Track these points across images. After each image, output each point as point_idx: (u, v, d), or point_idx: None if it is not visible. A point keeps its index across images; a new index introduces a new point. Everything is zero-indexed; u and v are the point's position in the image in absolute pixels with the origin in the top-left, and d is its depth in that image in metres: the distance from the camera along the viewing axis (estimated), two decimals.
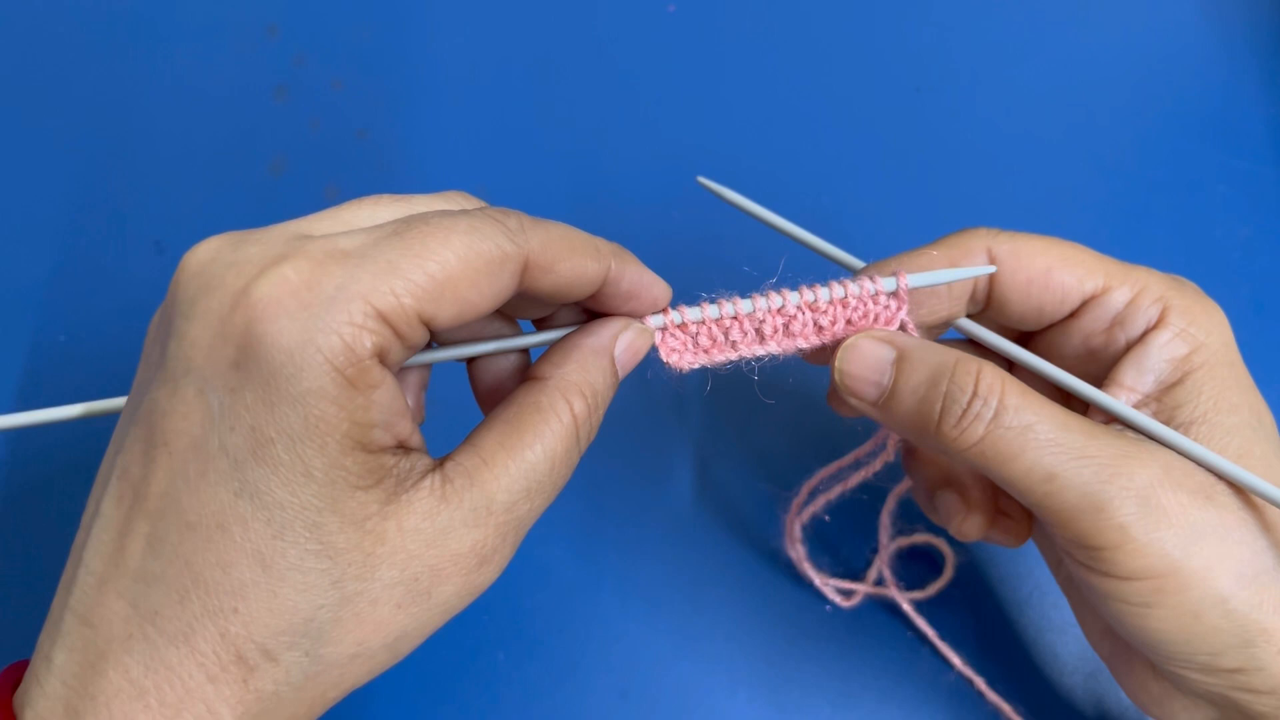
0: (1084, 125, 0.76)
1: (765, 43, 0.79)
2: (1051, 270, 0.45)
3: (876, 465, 0.53)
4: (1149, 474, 0.40)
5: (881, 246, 0.70)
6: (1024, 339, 0.49)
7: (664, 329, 0.45)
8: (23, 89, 0.78)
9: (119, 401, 0.41)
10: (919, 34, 0.79)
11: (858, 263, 0.48)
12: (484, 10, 0.80)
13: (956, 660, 0.59)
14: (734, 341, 0.45)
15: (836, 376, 0.45)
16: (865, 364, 0.44)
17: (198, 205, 0.74)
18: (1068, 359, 0.47)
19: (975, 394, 0.41)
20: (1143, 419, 0.43)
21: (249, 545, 0.33)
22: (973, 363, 0.42)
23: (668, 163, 0.75)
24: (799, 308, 0.45)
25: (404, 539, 0.35)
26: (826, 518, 0.60)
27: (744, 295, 0.45)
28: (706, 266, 0.70)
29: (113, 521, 0.35)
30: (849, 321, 0.46)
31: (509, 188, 0.74)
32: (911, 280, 0.45)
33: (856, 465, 0.55)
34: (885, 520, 0.58)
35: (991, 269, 0.46)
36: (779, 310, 0.45)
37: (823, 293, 0.45)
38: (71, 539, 0.37)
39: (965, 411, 0.41)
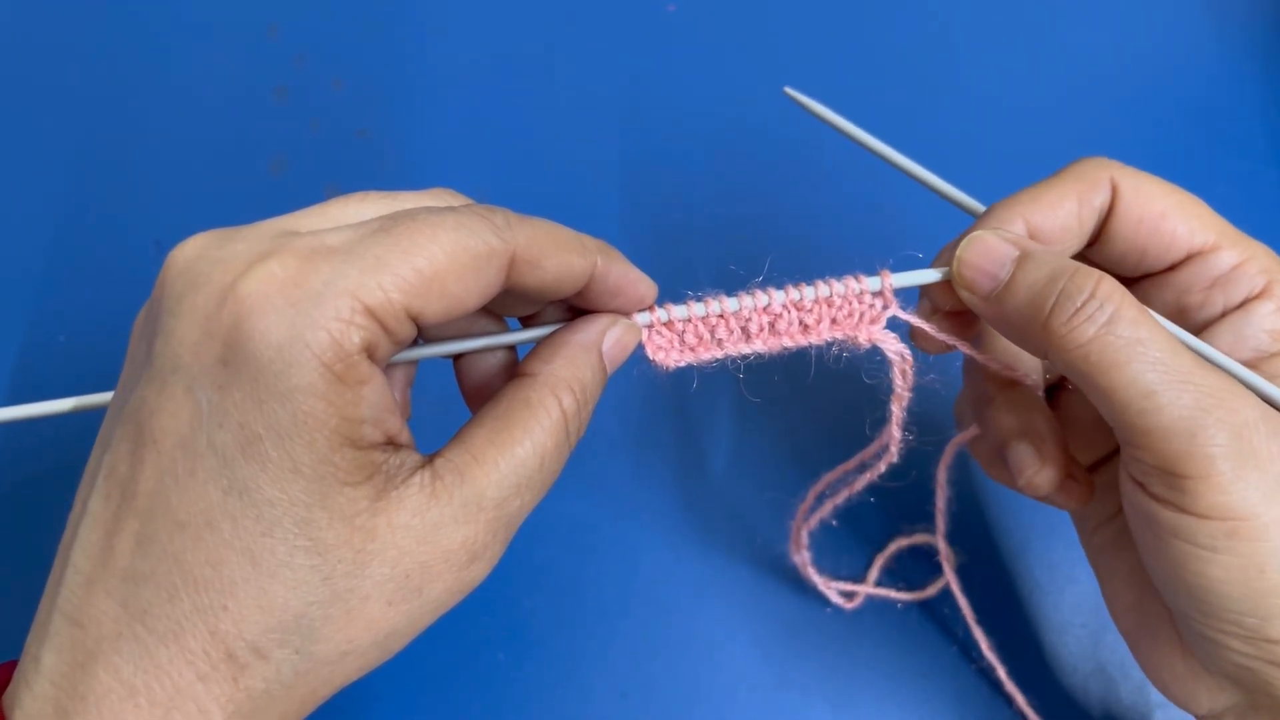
0: (1084, 125, 0.76)
1: (765, 43, 0.79)
2: (1166, 215, 0.44)
3: (881, 467, 0.52)
4: (1249, 414, 0.39)
5: (882, 246, 0.70)
6: None
7: (650, 327, 0.45)
8: (23, 89, 0.78)
9: (110, 396, 0.41)
10: (918, 34, 0.79)
11: (978, 206, 0.48)
12: (484, 10, 0.80)
13: (985, 644, 0.59)
14: (720, 340, 0.45)
15: (955, 266, 0.44)
16: (988, 256, 0.44)
17: (197, 205, 0.74)
18: (1158, 313, 0.46)
19: (1092, 296, 0.40)
20: (1246, 373, 0.42)
21: (239, 542, 0.33)
22: (1093, 271, 0.41)
23: (666, 162, 0.75)
24: (785, 307, 0.45)
25: (394, 535, 0.35)
26: (834, 523, 0.59)
27: (730, 294, 0.45)
28: (694, 265, 0.69)
29: (100, 520, 0.34)
30: (834, 320, 0.46)
31: (507, 187, 0.74)
32: (895, 280, 0.45)
33: (862, 468, 0.54)
34: (942, 477, 0.57)
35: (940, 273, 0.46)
36: (765, 309, 0.45)
37: (808, 292, 0.45)
38: (59, 538, 0.37)
39: (1079, 310, 0.40)
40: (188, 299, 0.34)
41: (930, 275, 0.46)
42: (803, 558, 0.59)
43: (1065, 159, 0.73)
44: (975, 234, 0.44)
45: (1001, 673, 0.58)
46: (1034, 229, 0.45)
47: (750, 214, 0.73)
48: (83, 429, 0.43)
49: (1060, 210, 0.45)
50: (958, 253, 0.44)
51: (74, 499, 0.37)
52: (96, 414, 0.42)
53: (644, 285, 0.43)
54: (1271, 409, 0.41)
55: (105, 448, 0.36)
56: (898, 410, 0.49)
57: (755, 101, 0.77)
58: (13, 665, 0.36)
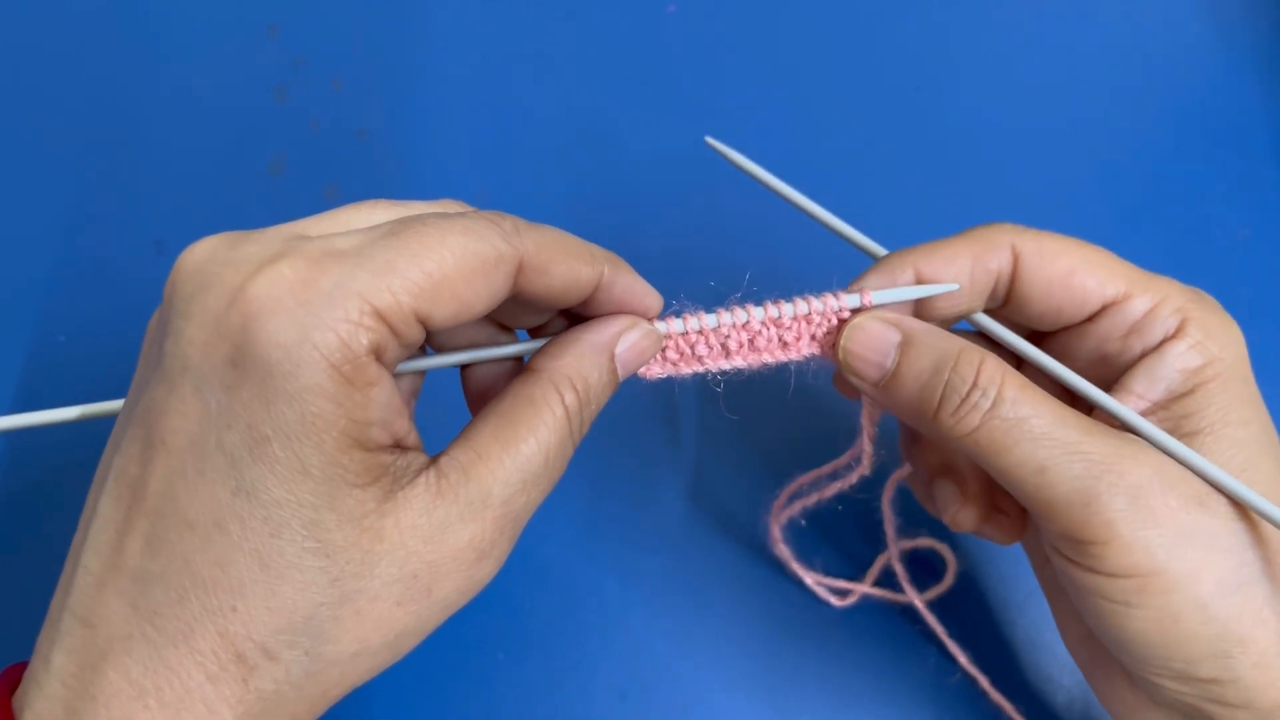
0: (1083, 124, 0.76)
1: (765, 43, 0.79)
2: (1074, 272, 0.45)
3: (853, 478, 0.53)
4: (1141, 474, 0.40)
5: (882, 246, 0.70)
6: (1038, 339, 0.49)
7: None
8: (23, 89, 0.78)
9: (116, 404, 0.41)
10: (918, 34, 0.79)
11: (879, 249, 0.48)
12: (484, 10, 0.80)
13: (962, 658, 0.59)
14: (700, 356, 0.46)
15: (840, 355, 0.45)
16: (870, 345, 0.44)
17: (198, 205, 0.74)
18: (1080, 363, 0.47)
19: (975, 384, 0.41)
20: (1144, 423, 0.42)
21: (247, 544, 0.33)
22: (976, 353, 0.42)
23: (666, 164, 0.75)
24: (763, 324, 0.45)
25: (402, 536, 0.35)
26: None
27: (709, 310, 0.45)
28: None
29: (111, 521, 0.35)
30: (813, 337, 0.46)
31: (507, 188, 0.74)
32: (875, 298, 0.45)
33: (835, 476, 0.55)
34: (888, 510, 0.58)
35: (954, 287, 0.46)
36: (744, 326, 0.45)
37: (787, 309, 0.45)
38: (69, 540, 0.37)
39: (964, 400, 0.41)
40: (197, 300, 0.34)
41: (911, 293, 0.46)
42: (783, 552, 0.60)
43: (1064, 158, 0.74)
44: (855, 323, 0.45)
45: (984, 683, 0.59)
46: (925, 280, 0.46)
47: (743, 219, 0.73)
48: (91, 431, 0.43)
49: (952, 267, 0.46)
50: (842, 342, 0.45)
51: (84, 500, 0.37)
52: (103, 418, 0.42)
53: (650, 298, 0.44)
54: (1170, 461, 0.41)
55: (116, 449, 0.36)
56: (869, 424, 0.50)
57: (757, 101, 0.77)
58: (23, 666, 0.36)
